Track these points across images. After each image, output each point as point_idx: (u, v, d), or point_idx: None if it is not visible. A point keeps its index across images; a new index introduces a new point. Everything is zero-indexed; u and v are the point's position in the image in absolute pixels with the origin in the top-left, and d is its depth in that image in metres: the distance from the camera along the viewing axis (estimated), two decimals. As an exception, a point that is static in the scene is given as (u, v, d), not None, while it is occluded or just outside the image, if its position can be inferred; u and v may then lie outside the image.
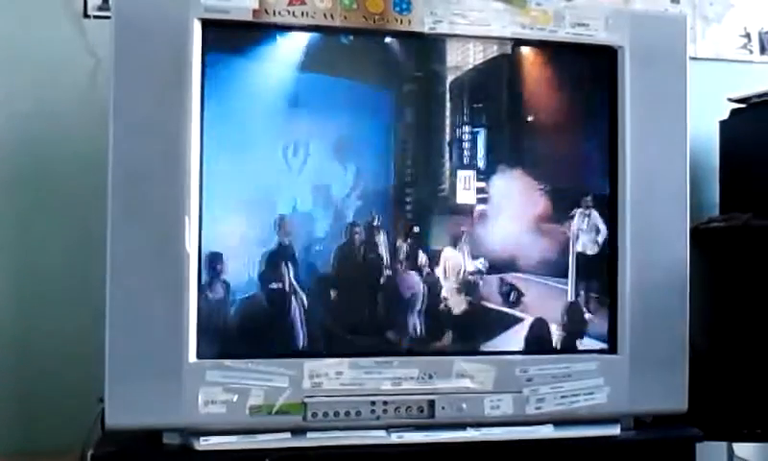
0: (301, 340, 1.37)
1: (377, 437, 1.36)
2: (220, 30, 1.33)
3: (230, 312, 1.35)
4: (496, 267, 1.45)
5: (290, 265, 1.37)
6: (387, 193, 1.42)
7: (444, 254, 1.44)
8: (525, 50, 1.47)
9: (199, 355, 1.31)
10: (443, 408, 1.38)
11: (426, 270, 1.42)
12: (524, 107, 1.48)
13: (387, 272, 1.41)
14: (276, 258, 1.37)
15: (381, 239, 1.41)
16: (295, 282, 1.37)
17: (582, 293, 1.48)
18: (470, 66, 1.46)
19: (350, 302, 1.41)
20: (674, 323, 1.46)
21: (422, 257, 1.42)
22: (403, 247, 1.42)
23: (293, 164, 1.38)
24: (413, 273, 1.42)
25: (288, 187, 1.37)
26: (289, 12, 1.36)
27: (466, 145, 1.45)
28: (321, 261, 1.38)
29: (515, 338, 1.45)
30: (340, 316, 1.40)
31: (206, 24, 1.32)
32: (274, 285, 1.36)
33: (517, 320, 1.47)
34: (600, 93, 1.48)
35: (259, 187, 1.37)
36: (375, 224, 1.41)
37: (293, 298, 1.37)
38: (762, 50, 2.08)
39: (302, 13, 1.36)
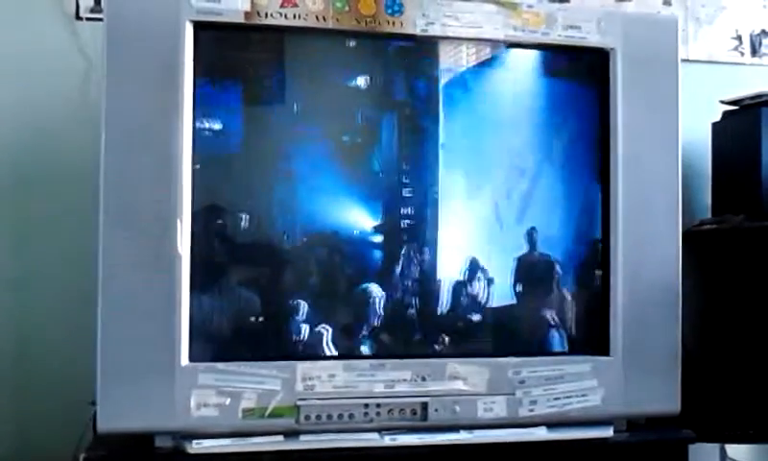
0: (294, 342, 1.37)
1: (370, 440, 1.36)
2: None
3: (223, 315, 1.35)
4: (492, 269, 1.45)
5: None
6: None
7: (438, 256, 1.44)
8: (517, 52, 1.47)
9: (191, 358, 1.31)
10: (436, 410, 1.38)
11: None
12: (516, 109, 1.48)
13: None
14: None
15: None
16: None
17: (575, 295, 1.49)
18: (462, 68, 1.46)
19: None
20: (667, 325, 1.47)
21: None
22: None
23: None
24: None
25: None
26: (281, 14, 1.35)
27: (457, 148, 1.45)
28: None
29: (508, 340, 1.46)
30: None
31: (198, 26, 1.32)
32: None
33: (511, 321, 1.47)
34: (592, 96, 1.48)
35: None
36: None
37: (287, 300, 1.38)
38: (754, 52, 2.09)
39: (294, 16, 1.36)
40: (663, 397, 1.46)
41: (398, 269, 1.42)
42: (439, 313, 1.44)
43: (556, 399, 1.42)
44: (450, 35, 1.42)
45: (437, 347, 1.42)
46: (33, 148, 1.71)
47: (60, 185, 1.70)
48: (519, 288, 1.47)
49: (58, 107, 1.70)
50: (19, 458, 1.65)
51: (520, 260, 1.47)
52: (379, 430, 1.37)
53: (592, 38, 1.46)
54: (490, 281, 1.45)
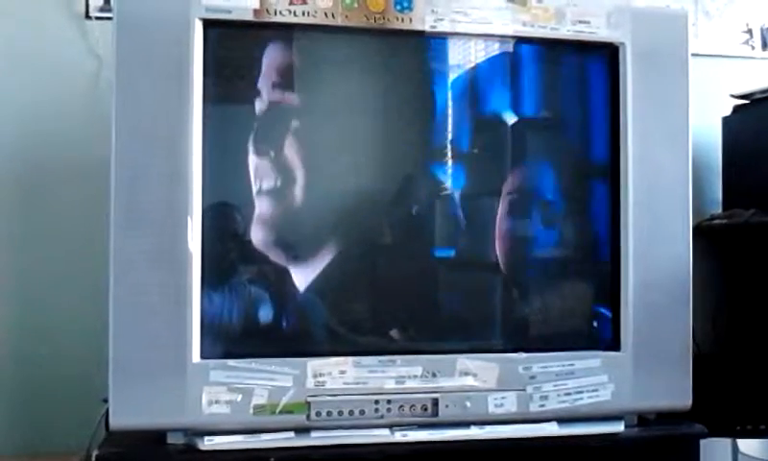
0: (305, 339, 1.37)
1: (381, 436, 1.36)
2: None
3: (234, 312, 1.35)
4: (501, 265, 1.45)
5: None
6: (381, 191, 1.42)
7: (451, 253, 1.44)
8: (527, 48, 1.47)
9: (203, 355, 1.31)
10: (446, 406, 1.38)
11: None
12: (526, 105, 1.48)
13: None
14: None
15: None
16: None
17: (585, 290, 1.48)
18: (472, 64, 1.46)
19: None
20: (677, 319, 1.46)
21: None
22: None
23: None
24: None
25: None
26: (290, 12, 1.35)
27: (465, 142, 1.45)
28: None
29: (518, 335, 1.46)
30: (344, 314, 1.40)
31: (207, 24, 1.32)
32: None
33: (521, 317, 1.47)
34: (601, 90, 1.48)
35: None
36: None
37: (297, 297, 1.38)
38: (764, 46, 2.08)
39: (303, 13, 1.36)
40: (674, 392, 1.45)
41: (409, 264, 1.43)
42: (446, 309, 1.45)
43: (567, 394, 1.42)
44: (460, 31, 1.42)
45: (447, 342, 1.42)
46: (43, 147, 1.71)
47: (71, 184, 1.71)
48: (530, 283, 1.46)
49: (68, 105, 1.71)
50: (32, 456, 1.66)
51: (530, 256, 1.47)
52: (390, 426, 1.37)
53: (602, 33, 1.46)
54: (501, 276, 1.45)
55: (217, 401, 1.30)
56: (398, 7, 1.39)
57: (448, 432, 1.38)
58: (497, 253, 1.45)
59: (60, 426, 1.64)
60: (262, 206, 1.36)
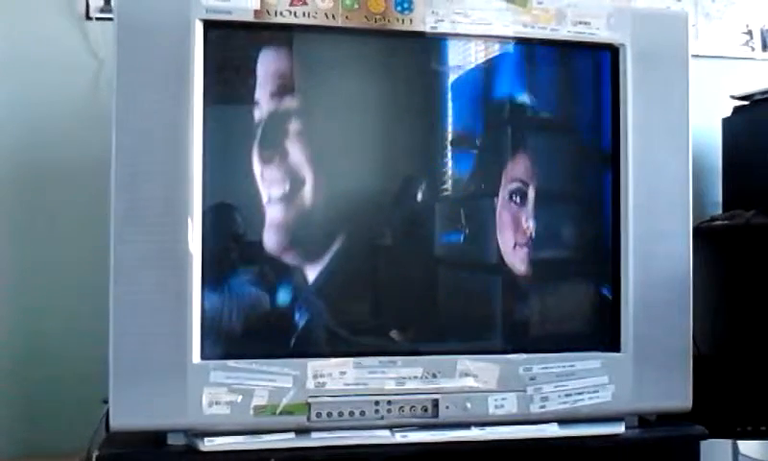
0: (305, 340, 1.37)
1: (381, 437, 1.36)
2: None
3: (234, 313, 1.35)
4: (501, 266, 1.45)
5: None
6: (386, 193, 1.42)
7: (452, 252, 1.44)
8: (527, 49, 1.47)
9: (203, 356, 1.31)
10: (447, 407, 1.38)
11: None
12: (527, 106, 1.48)
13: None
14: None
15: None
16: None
17: (585, 291, 1.48)
18: (472, 65, 1.46)
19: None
20: (678, 321, 1.46)
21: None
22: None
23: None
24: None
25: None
26: (290, 13, 1.36)
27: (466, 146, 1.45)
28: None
29: (518, 336, 1.46)
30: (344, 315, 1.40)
31: (208, 25, 1.32)
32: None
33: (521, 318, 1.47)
34: (602, 92, 1.48)
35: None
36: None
37: (297, 298, 1.38)
38: (764, 47, 2.08)
39: (304, 14, 1.36)
40: (675, 393, 1.45)
41: (409, 265, 1.43)
42: (450, 310, 1.45)
43: (567, 395, 1.42)
44: (460, 32, 1.42)
45: (447, 343, 1.42)
46: (44, 147, 1.71)
47: (72, 184, 1.71)
48: (530, 284, 1.46)
49: (68, 106, 1.71)
50: (32, 457, 1.66)
51: (531, 257, 1.47)
52: (390, 427, 1.37)
53: (602, 34, 1.46)
54: (501, 277, 1.45)
55: (217, 402, 1.30)
56: (399, 8, 1.39)
57: (449, 433, 1.38)
58: (498, 254, 1.45)
59: (60, 427, 1.64)
60: (263, 207, 1.36)
